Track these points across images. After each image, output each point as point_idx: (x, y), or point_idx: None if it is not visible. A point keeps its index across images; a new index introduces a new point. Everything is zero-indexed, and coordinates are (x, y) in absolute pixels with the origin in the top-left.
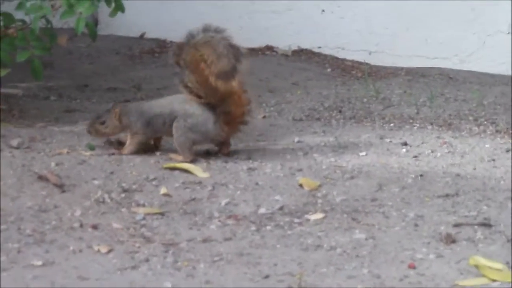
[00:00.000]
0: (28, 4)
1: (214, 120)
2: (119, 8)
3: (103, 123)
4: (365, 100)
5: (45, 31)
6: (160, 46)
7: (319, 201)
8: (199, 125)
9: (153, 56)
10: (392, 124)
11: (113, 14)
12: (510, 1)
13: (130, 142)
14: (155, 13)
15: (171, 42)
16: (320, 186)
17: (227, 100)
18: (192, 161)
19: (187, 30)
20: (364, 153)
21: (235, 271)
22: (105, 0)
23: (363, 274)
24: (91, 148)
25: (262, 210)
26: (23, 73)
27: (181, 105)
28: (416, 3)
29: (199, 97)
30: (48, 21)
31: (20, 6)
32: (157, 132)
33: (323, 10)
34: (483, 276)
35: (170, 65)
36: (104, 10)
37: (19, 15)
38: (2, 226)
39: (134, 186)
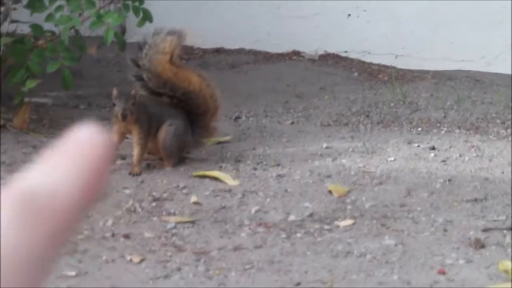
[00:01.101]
0: (57, 16)
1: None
2: (147, 17)
3: (134, 104)
4: (392, 104)
5: (74, 42)
6: (188, 53)
7: (348, 207)
8: (184, 131)
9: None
10: (419, 129)
11: (140, 23)
12: None
13: (137, 152)
14: (182, 20)
15: (198, 48)
16: (349, 192)
17: (190, 98)
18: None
19: (214, 37)
20: (392, 158)
21: (266, 279)
22: (133, 10)
23: (393, 280)
24: (122, 157)
25: (292, 217)
26: (52, 82)
27: (169, 109)
28: (442, 6)
29: (159, 94)
30: (77, 32)
31: (49, 17)
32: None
33: (349, 15)
34: None
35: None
36: (131, 18)
37: (48, 26)
38: None
39: (164, 195)
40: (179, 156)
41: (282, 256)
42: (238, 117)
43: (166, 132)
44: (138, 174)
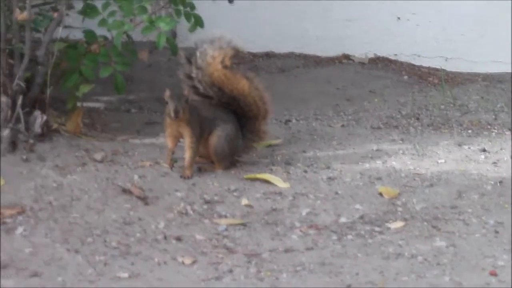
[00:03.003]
0: (110, 21)
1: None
2: (198, 23)
3: (187, 102)
4: (442, 106)
5: (126, 47)
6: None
7: (399, 209)
8: (235, 135)
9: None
10: (470, 131)
11: (192, 29)
12: None
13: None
14: (232, 25)
15: (248, 52)
16: (399, 194)
17: (239, 101)
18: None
19: (264, 41)
20: (442, 160)
21: (317, 281)
22: (185, 15)
23: (445, 282)
24: (173, 160)
25: (342, 219)
26: (104, 87)
27: (221, 113)
28: (491, 9)
29: (206, 96)
30: (129, 37)
31: (102, 22)
32: (201, 136)
33: (398, 18)
34: None
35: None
36: (182, 23)
37: (100, 31)
38: (88, 239)
39: (216, 197)
40: (230, 160)
41: (333, 258)
42: (288, 120)
43: (218, 137)
44: (190, 177)
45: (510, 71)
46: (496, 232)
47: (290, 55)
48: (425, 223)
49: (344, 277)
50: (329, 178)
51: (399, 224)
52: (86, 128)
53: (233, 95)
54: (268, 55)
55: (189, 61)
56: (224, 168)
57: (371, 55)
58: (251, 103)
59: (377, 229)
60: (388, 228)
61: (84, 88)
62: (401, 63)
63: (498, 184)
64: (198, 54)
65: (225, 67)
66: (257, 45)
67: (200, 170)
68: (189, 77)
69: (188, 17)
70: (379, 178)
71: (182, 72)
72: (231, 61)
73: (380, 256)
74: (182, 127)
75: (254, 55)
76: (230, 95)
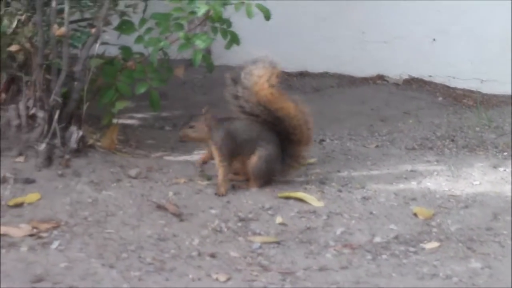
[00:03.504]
0: (146, 38)
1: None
2: (235, 40)
3: (192, 127)
4: (477, 129)
5: (162, 64)
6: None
7: (434, 230)
8: (275, 158)
9: None
10: (505, 153)
11: (228, 46)
12: None
13: (221, 173)
14: (267, 44)
15: (283, 72)
16: (434, 215)
17: (284, 121)
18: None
19: (299, 60)
20: (478, 182)
21: None
22: (221, 32)
23: None
24: (208, 178)
25: (377, 239)
26: (138, 103)
27: (265, 133)
28: None
29: (252, 115)
30: (165, 54)
31: (138, 39)
32: (236, 154)
33: (434, 39)
34: None
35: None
36: (216, 40)
37: (136, 48)
38: (123, 255)
39: (250, 215)
40: (266, 180)
41: (367, 277)
42: (322, 140)
43: (259, 157)
44: (224, 195)
45: None
46: None
47: (325, 75)
48: (460, 244)
49: None
50: (364, 198)
51: (434, 244)
52: (121, 145)
53: (278, 115)
54: (303, 75)
55: (234, 81)
56: (258, 186)
57: (405, 76)
58: (295, 126)
59: (411, 249)
60: (423, 249)
61: (120, 105)
62: (436, 84)
63: None
64: (243, 74)
65: (271, 86)
66: (292, 64)
67: (234, 188)
68: (236, 96)
69: (224, 34)
70: (414, 199)
71: (228, 93)
72: (277, 80)
73: (415, 276)
74: (210, 146)
75: (289, 74)
76: (276, 114)
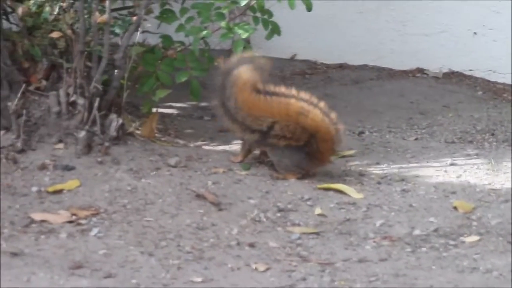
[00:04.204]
0: (187, 26)
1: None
2: (276, 31)
3: None
4: None
5: (203, 53)
6: (311, 67)
7: (474, 223)
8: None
9: (304, 77)
10: None
11: (269, 36)
12: None
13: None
14: (307, 35)
15: (322, 64)
16: (474, 208)
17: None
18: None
19: (338, 52)
20: None
21: None
22: (263, 22)
23: None
24: (246, 168)
25: (417, 232)
26: (177, 93)
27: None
28: None
29: (289, 139)
30: (206, 43)
31: (180, 28)
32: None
33: (475, 33)
34: None
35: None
36: (255, 31)
37: (176, 37)
38: (162, 243)
39: (289, 206)
40: (298, 171)
41: (407, 270)
42: (361, 132)
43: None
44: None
45: None
46: None
47: (364, 67)
48: (500, 238)
49: None
50: (403, 191)
51: (474, 238)
52: (160, 133)
53: (272, 123)
54: (342, 67)
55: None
56: (295, 177)
57: (445, 70)
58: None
59: (451, 242)
60: (463, 242)
61: (161, 93)
62: (476, 78)
63: None
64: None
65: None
66: (331, 56)
67: (272, 178)
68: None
69: (266, 24)
70: (454, 192)
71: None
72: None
73: (455, 269)
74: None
75: (328, 66)
76: (269, 125)
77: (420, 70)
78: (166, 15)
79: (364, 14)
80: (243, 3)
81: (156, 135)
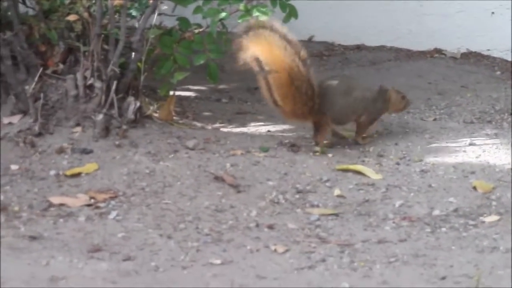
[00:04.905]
0: (205, 8)
1: None
2: (293, 14)
3: None
4: None
5: (220, 35)
6: (328, 49)
7: (494, 203)
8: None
9: (322, 59)
10: None
11: (286, 19)
12: None
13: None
14: (324, 16)
15: (339, 45)
16: (494, 188)
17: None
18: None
19: (355, 33)
20: None
21: (411, 272)
22: (280, 5)
23: None
24: (265, 150)
25: (436, 212)
26: (194, 75)
27: None
28: None
29: None
30: (223, 25)
31: (197, 10)
32: None
33: (492, 13)
34: None
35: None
36: (273, 14)
37: (193, 19)
38: (180, 225)
39: (308, 187)
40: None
41: (426, 250)
42: None
43: None
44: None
45: None
46: None
47: (382, 48)
48: None
49: (439, 269)
50: (422, 171)
51: (493, 218)
52: (178, 116)
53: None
54: (359, 48)
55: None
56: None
57: (463, 50)
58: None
59: (471, 222)
60: (483, 222)
61: (179, 76)
62: (494, 58)
63: None
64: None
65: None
66: (348, 38)
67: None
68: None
69: (283, 7)
70: (473, 172)
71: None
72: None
73: (475, 249)
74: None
75: (345, 48)
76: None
77: (438, 51)
78: None
79: None
80: None
81: (174, 117)
